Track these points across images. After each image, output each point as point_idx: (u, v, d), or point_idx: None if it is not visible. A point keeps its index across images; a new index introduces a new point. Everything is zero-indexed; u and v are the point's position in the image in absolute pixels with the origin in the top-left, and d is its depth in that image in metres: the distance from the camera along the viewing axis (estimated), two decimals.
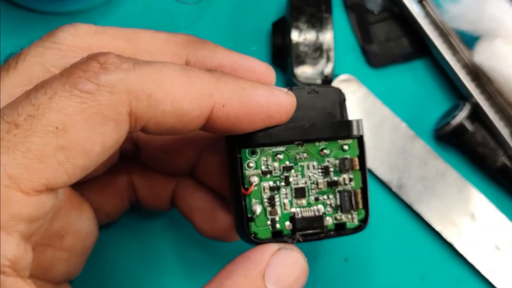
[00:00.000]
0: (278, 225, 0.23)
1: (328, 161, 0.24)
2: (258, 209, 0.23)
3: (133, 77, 0.18)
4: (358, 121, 0.24)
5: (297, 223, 0.23)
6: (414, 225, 0.35)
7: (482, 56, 0.34)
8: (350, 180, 0.24)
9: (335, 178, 0.24)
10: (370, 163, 0.34)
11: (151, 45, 0.22)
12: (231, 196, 0.25)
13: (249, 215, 0.23)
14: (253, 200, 0.23)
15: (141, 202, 0.29)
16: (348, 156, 0.24)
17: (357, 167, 0.24)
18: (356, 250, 0.34)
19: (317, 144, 0.24)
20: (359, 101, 0.35)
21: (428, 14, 0.36)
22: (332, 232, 0.24)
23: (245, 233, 0.23)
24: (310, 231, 0.23)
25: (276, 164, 0.23)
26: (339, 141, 0.24)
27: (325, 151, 0.24)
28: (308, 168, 0.24)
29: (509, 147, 0.34)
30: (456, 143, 0.35)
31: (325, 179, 0.24)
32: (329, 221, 0.24)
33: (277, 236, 0.23)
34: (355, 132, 0.24)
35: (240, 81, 0.20)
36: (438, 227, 0.34)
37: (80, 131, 0.17)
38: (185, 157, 0.27)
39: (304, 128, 0.23)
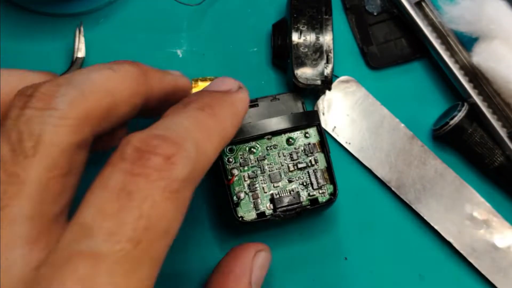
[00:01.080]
0: (261, 207, 0.28)
1: (294, 148, 0.29)
2: (242, 195, 0.28)
3: (194, 161, 0.19)
4: (314, 112, 0.29)
5: (276, 202, 0.28)
6: (413, 224, 0.35)
7: (481, 57, 0.34)
8: (316, 161, 0.29)
9: (303, 161, 0.29)
10: (370, 163, 0.35)
11: (132, 103, 0.22)
12: (216, 188, 0.30)
13: (235, 201, 0.28)
14: (237, 189, 0.28)
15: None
16: (311, 142, 0.29)
17: (320, 150, 0.29)
18: (355, 249, 0.34)
19: (283, 135, 0.29)
20: (358, 102, 0.36)
21: (426, 16, 0.36)
22: (308, 207, 0.28)
23: (234, 217, 0.27)
24: (289, 207, 0.28)
25: (251, 156, 0.29)
26: (302, 130, 0.29)
27: (291, 140, 0.29)
28: (279, 156, 0.29)
29: (507, 147, 0.34)
30: (454, 143, 0.35)
31: (295, 163, 0.29)
32: (303, 197, 0.29)
33: (261, 216, 0.28)
34: (313, 121, 0.29)
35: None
36: (436, 226, 0.34)
37: (177, 228, 0.18)
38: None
39: (270, 123, 0.28)
